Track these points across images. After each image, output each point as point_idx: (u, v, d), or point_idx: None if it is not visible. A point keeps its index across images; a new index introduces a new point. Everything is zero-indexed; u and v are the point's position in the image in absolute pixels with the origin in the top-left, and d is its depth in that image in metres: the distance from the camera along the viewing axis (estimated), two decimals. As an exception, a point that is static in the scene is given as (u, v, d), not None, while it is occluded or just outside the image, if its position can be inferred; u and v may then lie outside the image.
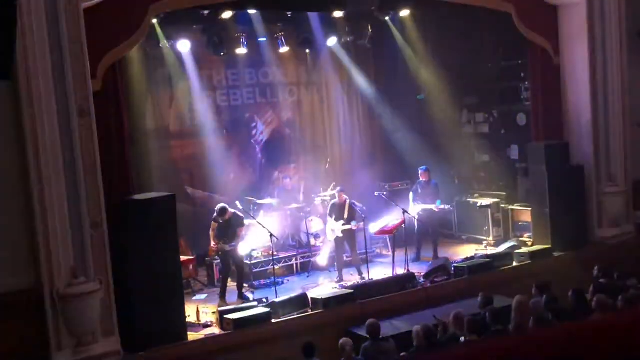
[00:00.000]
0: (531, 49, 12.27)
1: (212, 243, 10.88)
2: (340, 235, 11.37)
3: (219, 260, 11.52)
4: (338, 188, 11.82)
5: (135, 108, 11.69)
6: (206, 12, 11.82)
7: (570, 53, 12.04)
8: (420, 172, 12.36)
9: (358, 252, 11.61)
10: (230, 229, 10.65)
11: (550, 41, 12.04)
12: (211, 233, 10.86)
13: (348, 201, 11.48)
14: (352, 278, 11.26)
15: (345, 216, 11.35)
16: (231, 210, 10.76)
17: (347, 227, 11.33)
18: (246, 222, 11.06)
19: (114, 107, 9.22)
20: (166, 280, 8.82)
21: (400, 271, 11.08)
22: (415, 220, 11.81)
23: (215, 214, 10.76)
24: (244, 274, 10.93)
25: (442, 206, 12.07)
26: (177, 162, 13.02)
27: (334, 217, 11.44)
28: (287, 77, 13.99)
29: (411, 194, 12.31)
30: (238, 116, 13.63)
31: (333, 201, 11.68)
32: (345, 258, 11.65)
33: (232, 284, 10.82)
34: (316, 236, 12.25)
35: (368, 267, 11.34)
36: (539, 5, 11.94)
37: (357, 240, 11.58)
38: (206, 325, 9.45)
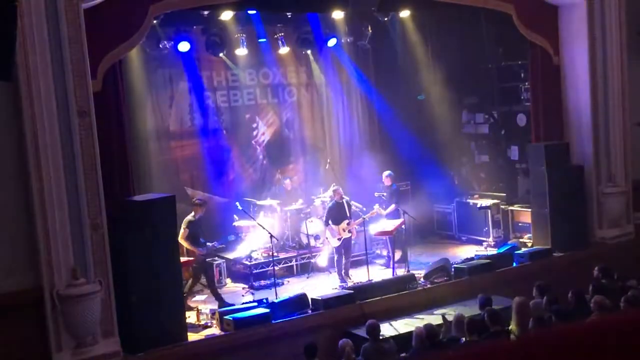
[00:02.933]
0: (531, 49, 12.27)
1: (196, 249, 10.33)
2: (348, 235, 11.34)
3: (218, 261, 11.53)
4: (336, 187, 11.68)
5: (135, 108, 11.68)
6: (206, 12, 11.82)
7: (570, 53, 12.04)
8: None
9: (353, 254, 11.65)
10: (204, 226, 10.57)
11: (550, 41, 12.04)
12: (184, 241, 10.19)
13: (345, 199, 11.46)
14: (353, 279, 11.26)
15: (348, 214, 11.33)
16: None
17: (359, 221, 11.29)
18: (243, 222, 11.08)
19: (114, 107, 9.22)
20: (166, 280, 8.82)
21: (400, 272, 11.07)
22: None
23: (193, 216, 10.41)
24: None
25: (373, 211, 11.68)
26: (177, 162, 13.00)
27: (331, 221, 11.34)
28: (287, 77, 13.98)
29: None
30: (238, 117, 13.62)
31: (330, 204, 11.55)
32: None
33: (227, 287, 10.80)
34: (316, 237, 12.23)
35: (368, 268, 11.34)
36: (539, 5, 11.95)
37: (351, 245, 11.60)
38: (206, 326, 9.45)
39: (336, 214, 11.33)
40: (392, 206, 11.79)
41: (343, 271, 11.28)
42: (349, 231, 11.32)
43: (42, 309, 8.01)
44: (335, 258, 11.47)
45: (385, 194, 12.32)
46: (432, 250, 12.61)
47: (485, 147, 14.44)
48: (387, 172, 12.18)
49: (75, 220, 8.13)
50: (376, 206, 11.65)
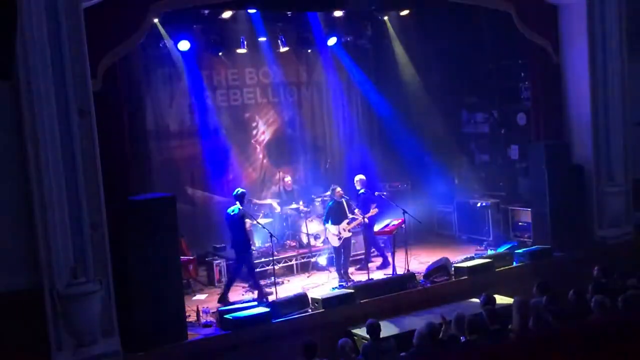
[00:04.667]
0: (531, 49, 12.27)
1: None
2: (349, 234, 11.33)
3: (219, 260, 11.54)
4: (335, 186, 11.61)
5: (135, 108, 11.66)
6: (206, 11, 11.83)
7: (570, 53, 12.04)
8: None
9: (353, 253, 11.70)
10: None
11: (550, 41, 12.04)
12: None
13: (345, 198, 11.45)
14: (353, 278, 11.26)
15: (348, 214, 11.34)
16: None
17: (357, 222, 11.28)
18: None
19: (114, 107, 9.22)
20: (166, 280, 8.82)
21: (401, 271, 11.07)
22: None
23: (240, 206, 10.65)
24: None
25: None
26: (177, 162, 13.00)
27: (331, 220, 11.33)
28: (287, 76, 13.97)
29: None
30: (238, 116, 13.62)
31: (329, 204, 11.53)
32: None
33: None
34: (316, 237, 12.23)
35: (368, 267, 11.35)
36: (539, 5, 11.95)
37: (351, 244, 11.61)
38: (206, 325, 9.45)
39: (336, 213, 11.32)
40: (357, 211, 11.52)
41: (342, 270, 11.29)
42: (349, 230, 11.33)
43: (42, 308, 8.01)
44: (335, 257, 11.47)
45: (385, 193, 12.31)
46: (432, 250, 12.59)
47: (485, 146, 14.44)
48: (357, 177, 11.91)
49: (75, 219, 8.14)
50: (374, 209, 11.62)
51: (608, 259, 10.43)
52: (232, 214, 10.61)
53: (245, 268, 10.73)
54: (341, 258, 11.35)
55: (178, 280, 9.21)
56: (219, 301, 10.29)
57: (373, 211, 11.37)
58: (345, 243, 11.34)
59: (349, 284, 10.82)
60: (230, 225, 10.70)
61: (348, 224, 11.30)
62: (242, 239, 10.63)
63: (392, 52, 14.08)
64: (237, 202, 10.63)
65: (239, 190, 10.85)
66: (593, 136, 11.91)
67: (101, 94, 8.66)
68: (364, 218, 11.38)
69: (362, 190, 11.69)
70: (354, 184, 11.93)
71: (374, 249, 12.34)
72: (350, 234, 11.38)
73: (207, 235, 12.55)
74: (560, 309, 8.35)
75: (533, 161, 12.11)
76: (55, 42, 7.97)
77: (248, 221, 10.92)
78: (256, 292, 10.69)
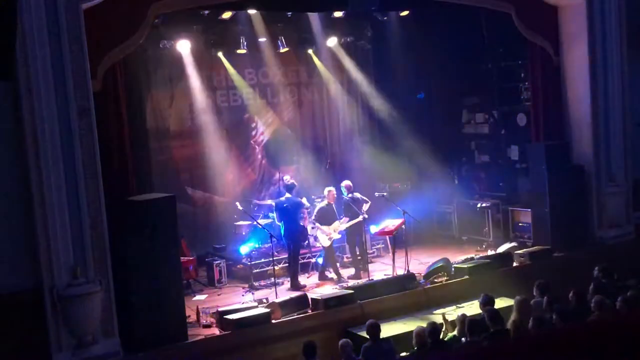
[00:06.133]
0: (531, 49, 12.28)
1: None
2: (339, 236, 11.33)
3: (219, 261, 11.56)
4: (331, 188, 11.61)
5: (135, 108, 11.65)
6: (206, 12, 11.83)
7: (570, 53, 12.05)
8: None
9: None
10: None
11: (550, 41, 12.05)
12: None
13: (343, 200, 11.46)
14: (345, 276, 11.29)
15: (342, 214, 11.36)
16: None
17: (355, 220, 11.28)
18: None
19: (114, 107, 9.23)
20: (166, 280, 8.81)
21: (401, 272, 11.07)
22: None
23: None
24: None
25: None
26: (177, 162, 13.01)
27: (321, 222, 11.31)
28: (287, 77, 13.98)
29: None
30: (238, 116, 13.63)
31: (320, 205, 11.47)
32: (344, 259, 11.69)
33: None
34: (316, 237, 12.22)
35: (368, 268, 11.35)
36: (539, 5, 11.95)
37: (367, 235, 11.60)
38: (206, 326, 9.44)
39: (326, 215, 11.31)
40: (344, 219, 11.44)
41: (337, 268, 11.33)
42: (340, 232, 11.35)
43: (42, 308, 8.01)
44: (325, 257, 11.47)
45: (385, 193, 12.30)
46: (432, 250, 12.59)
47: (485, 147, 14.44)
48: (344, 183, 11.70)
49: (76, 220, 8.14)
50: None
51: (608, 259, 10.43)
52: (284, 205, 10.97)
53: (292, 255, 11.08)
54: (333, 257, 11.38)
55: (178, 280, 9.21)
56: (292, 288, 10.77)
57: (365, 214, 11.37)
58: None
59: (346, 284, 10.84)
60: (282, 215, 11.02)
61: (341, 224, 11.30)
62: (297, 229, 11.00)
63: (392, 53, 14.07)
64: (287, 192, 11.06)
65: (290, 180, 11.42)
66: (593, 136, 11.90)
67: (101, 94, 8.67)
68: (363, 216, 11.34)
69: (347, 195, 11.61)
70: (349, 187, 11.85)
71: (373, 249, 12.37)
72: (340, 235, 11.39)
73: (207, 235, 12.57)
74: (560, 309, 8.35)
75: (533, 161, 12.10)
76: (55, 42, 7.97)
77: (305, 211, 11.44)
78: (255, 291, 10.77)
